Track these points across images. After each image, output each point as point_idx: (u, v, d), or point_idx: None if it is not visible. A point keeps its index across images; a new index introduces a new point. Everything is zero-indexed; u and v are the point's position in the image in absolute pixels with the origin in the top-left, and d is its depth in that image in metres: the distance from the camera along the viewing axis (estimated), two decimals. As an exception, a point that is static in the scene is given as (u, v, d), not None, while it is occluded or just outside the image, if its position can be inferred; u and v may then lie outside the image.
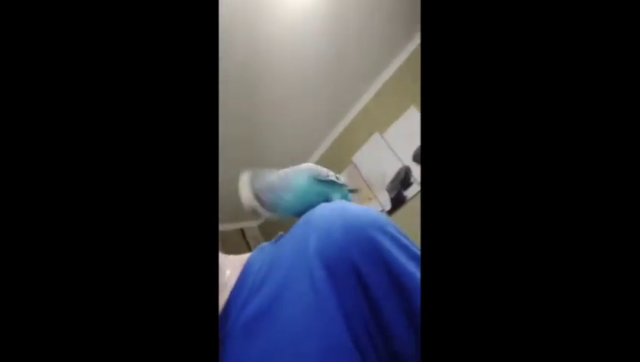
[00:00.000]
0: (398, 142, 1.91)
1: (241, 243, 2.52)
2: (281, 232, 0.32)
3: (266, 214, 0.39)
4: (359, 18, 1.54)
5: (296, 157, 2.33)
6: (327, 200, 0.42)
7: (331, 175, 0.45)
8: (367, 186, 2.05)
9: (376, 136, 2.02)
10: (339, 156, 2.23)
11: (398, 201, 1.90)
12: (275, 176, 0.40)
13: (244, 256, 0.30)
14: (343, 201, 0.28)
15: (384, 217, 0.25)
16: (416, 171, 1.83)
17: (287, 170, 0.42)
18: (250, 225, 2.70)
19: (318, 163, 2.09)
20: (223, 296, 0.26)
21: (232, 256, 0.30)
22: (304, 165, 0.44)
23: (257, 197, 0.38)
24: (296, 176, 0.41)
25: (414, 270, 0.22)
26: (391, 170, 1.93)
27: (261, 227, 2.74)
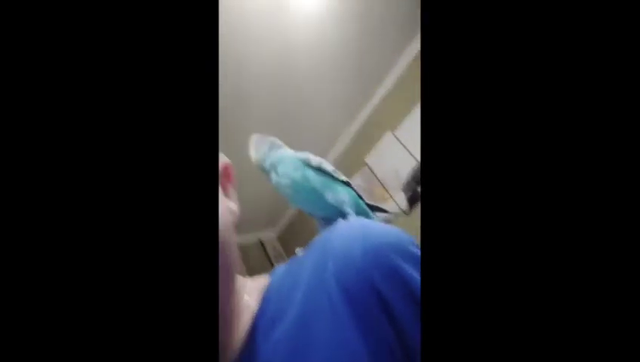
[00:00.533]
0: (411, 139, 1.88)
1: (263, 257, 2.54)
2: (299, 249, 0.32)
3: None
4: (369, 17, 1.53)
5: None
6: (322, 189, 0.44)
7: (326, 166, 0.47)
8: (383, 187, 2.02)
9: (388, 134, 1.99)
10: (352, 158, 2.22)
11: (414, 200, 1.86)
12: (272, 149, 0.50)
13: (262, 281, 0.30)
14: (362, 220, 0.27)
15: (405, 237, 0.24)
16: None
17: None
18: (269, 235, 2.71)
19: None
20: (245, 320, 0.26)
21: (249, 282, 0.30)
22: (301, 153, 0.49)
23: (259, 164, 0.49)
24: (290, 158, 0.47)
25: None
26: (405, 168, 1.89)
27: (280, 238, 2.75)
